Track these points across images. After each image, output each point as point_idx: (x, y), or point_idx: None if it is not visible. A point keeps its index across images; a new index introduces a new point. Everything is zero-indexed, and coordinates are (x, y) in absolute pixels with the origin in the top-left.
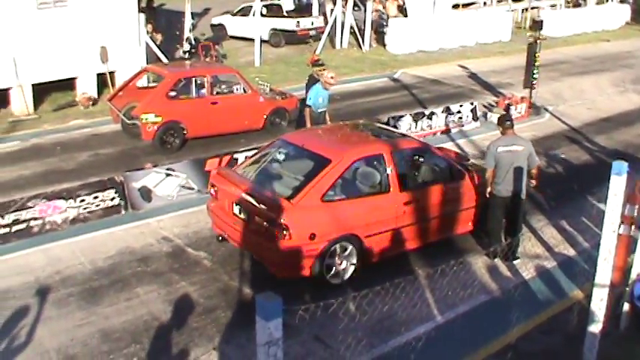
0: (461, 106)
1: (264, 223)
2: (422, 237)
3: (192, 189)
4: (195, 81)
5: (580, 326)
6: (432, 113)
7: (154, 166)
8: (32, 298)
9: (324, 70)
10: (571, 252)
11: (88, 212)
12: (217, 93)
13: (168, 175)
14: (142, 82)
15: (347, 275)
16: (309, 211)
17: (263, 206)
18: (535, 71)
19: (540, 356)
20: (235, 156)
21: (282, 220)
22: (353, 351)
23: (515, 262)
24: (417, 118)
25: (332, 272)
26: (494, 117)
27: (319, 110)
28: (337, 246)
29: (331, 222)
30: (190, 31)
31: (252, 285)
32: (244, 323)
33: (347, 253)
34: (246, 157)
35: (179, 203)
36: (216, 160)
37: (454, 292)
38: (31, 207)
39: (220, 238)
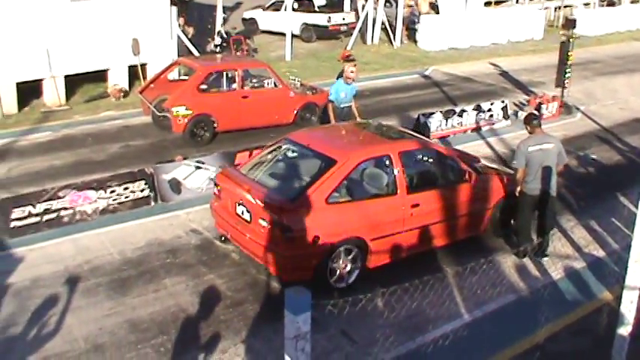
0: (492, 104)
1: (267, 225)
2: (430, 240)
3: None
4: (227, 75)
5: (609, 328)
6: (463, 111)
7: (184, 159)
8: (62, 287)
9: (354, 64)
10: (601, 253)
11: (118, 203)
12: (248, 87)
13: (198, 167)
14: (173, 75)
15: (351, 279)
16: (312, 212)
17: (265, 207)
18: (567, 70)
19: (568, 357)
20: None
21: (284, 222)
22: (380, 347)
23: (543, 259)
24: (447, 115)
25: (336, 276)
26: (525, 115)
27: (342, 106)
28: (341, 249)
29: (336, 224)
30: (222, 24)
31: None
32: (272, 317)
33: (351, 256)
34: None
35: (208, 196)
36: (246, 154)
37: (483, 291)
38: (61, 197)
39: (223, 238)
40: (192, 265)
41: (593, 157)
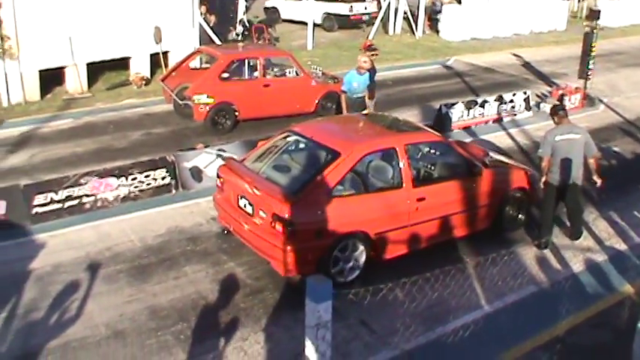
0: (514, 95)
1: (269, 218)
2: (435, 235)
3: None
4: (248, 63)
5: (630, 322)
6: (485, 101)
7: (206, 147)
8: (83, 273)
9: (373, 53)
10: (622, 246)
11: (139, 190)
12: (270, 75)
13: (219, 155)
14: (195, 63)
15: (354, 274)
16: (315, 206)
17: (267, 200)
18: (591, 61)
19: (589, 350)
20: None
21: (286, 216)
22: (400, 337)
23: (577, 241)
24: (469, 106)
25: (337, 270)
26: (547, 107)
27: (355, 96)
28: (345, 243)
29: (339, 218)
30: (244, 13)
31: None
32: (292, 305)
33: (357, 251)
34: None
35: None
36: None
37: (504, 282)
38: (83, 184)
39: (225, 231)
40: (213, 253)
41: (616, 149)
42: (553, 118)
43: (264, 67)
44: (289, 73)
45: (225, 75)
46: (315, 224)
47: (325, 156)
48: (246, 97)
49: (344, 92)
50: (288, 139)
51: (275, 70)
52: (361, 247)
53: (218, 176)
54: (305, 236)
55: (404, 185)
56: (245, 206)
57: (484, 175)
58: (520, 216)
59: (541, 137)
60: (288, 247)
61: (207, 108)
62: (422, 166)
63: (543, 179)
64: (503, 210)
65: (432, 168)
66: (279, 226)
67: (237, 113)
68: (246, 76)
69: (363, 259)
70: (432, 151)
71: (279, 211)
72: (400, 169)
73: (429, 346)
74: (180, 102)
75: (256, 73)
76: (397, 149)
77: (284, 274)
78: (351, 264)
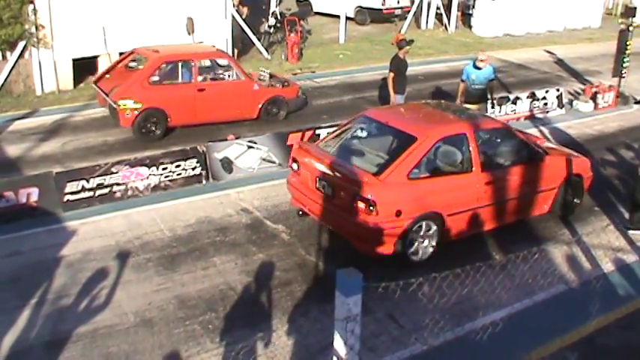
0: (546, 92)
1: (350, 199)
2: (500, 218)
3: (274, 162)
4: (182, 65)
5: None
6: (517, 98)
7: (237, 138)
8: (112, 261)
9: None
10: None
11: (170, 180)
12: (206, 79)
13: (250, 147)
14: (135, 63)
15: (428, 253)
16: (395, 187)
17: (350, 181)
18: (625, 59)
19: (618, 352)
20: (318, 131)
21: (369, 196)
22: (429, 332)
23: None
24: (501, 102)
25: (413, 249)
26: (580, 104)
27: (473, 87)
28: (421, 223)
29: (416, 199)
30: (276, 5)
31: (329, 260)
32: (320, 298)
33: (430, 230)
34: (328, 133)
35: (260, 176)
36: (298, 135)
37: (534, 280)
38: (114, 172)
39: (300, 212)
40: (242, 244)
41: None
42: None
43: (200, 69)
44: (229, 76)
45: (155, 78)
46: (396, 204)
47: (402, 140)
48: (179, 102)
49: (463, 81)
50: (361, 124)
51: (213, 73)
52: (435, 228)
53: (294, 160)
54: (386, 216)
55: (473, 169)
56: (324, 187)
57: (546, 161)
58: (576, 200)
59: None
60: (371, 227)
61: (134, 114)
62: (489, 152)
63: None
64: (562, 195)
65: (499, 153)
66: (361, 207)
67: (168, 119)
68: (179, 80)
69: (436, 239)
70: (498, 137)
71: (363, 192)
72: (470, 153)
73: (457, 342)
74: (115, 105)
75: (190, 77)
76: (467, 135)
77: (364, 252)
78: (425, 243)
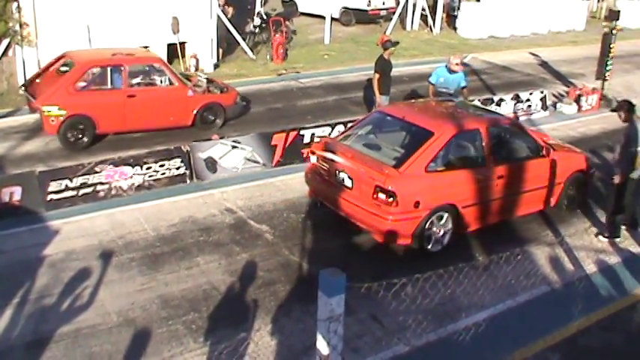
0: (530, 94)
1: (371, 190)
2: (510, 211)
3: (258, 162)
4: (111, 70)
5: None
6: (501, 100)
7: (221, 138)
8: (95, 261)
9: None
10: (637, 249)
11: (154, 180)
12: (136, 85)
13: (234, 147)
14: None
15: (443, 244)
16: (414, 179)
17: (370, 174)
18: (609, 62)
19: (600, 353)
20: (302, 132)
21: (390, 187)
22: (412, 333)
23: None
24: (485, 103)
25: (431, 240)
26: (563, 107)
27: (441, 90)
28: (438, 215)
29: (433, 191)
30: (262, 5)
31: (313, 260)
32: (303, 298)
33: (446, 222)
34: (313, 134)
35: (244, 176)
36: (282, 135)
37: (517, 281)
38: (98, 172)
39: (318, 204)
40: (225, 244)
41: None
42: (625, 115)
43: (130, 75)
44: (161, 82)
45: (82, 84)
46: (414, 196)
47: (419, 135)
48: (107, 109)
49: (432, 84)
50: (378, 120)
51: (144, 78)
52: (450, 219)
53: (312, 153)
54: (406, 207)
55: (486, 163)
56: (343, 180)
57: (553, 156)
58: (580, 196)
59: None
60: (391, 217)
61: (60, 120)
62: (501, 147)
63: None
64: (565, 190)
65: (510, 149)
66: (382, 198)
67: (95, 127)
68: (108, 86)
69: (451, 230)
70: (509, 133)
71: (384, 183)
72: (483, 148)
73: (440, 343)
74: (39, 112)
75: (120, 83)
76: (481, 130)
77: (384, 242)
78: (441, 234)
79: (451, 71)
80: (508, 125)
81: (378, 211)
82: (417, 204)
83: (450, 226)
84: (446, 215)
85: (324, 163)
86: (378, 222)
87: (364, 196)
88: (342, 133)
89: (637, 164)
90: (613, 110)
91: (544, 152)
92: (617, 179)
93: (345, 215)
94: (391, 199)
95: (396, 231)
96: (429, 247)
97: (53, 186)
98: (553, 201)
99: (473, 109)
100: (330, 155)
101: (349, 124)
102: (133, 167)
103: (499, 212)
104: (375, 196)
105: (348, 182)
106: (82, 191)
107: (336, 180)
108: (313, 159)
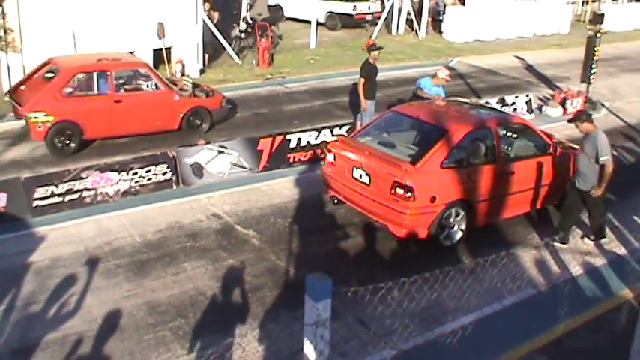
0: (516, 97)
1: (389, 186)
2: (519, 207)
3: (244, 167)
4: (97, 76)
5: (628, 326)
6: (487, 103)
7: (207, 143)
8: (82, 267)
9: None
10: (622, 250)
11: (140, 186)
12: (123, 90)
13: (220, 152)
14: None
15: (456, 238)
16: (431, 175)
17: (388, 170)
18: (593, 65)
19: (586, 354)
20: (288, 137)
21: (408, 183)
22: (399, 336)
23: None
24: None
25: (445, 234)
26: (549, 110)
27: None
28: (452, 210)
29: (448, 187)
30: (247, 10)
31: (300, 265)
32: (290, 303)
33: (459, 216)
34: (299, 139)
35: (230, 181)
36: (269, 140)
37: (503, 284)
38: (84, 178)
39: (336, 201)
40: (212, 250)
41: (614, 153)
42: (584, 125)
43: (116, 80)
44: (147, 87)
45: (69, 90)
46: (431, 191)
47: (434, 133)
48: (94, 114)
49: (420, 89)
50: (392, 119)
51: (130, 83)
52: (463, 214)
53: (329, 150)
54: (422, 202)
55: (497, 160)
56: (361, 177)
57: (559, 154)
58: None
59: (602, 143)
60: (408, 212)
61: (47, 126)
62: (511, 145)
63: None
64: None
65: (519, 147)
66: (399, 193)
67: (82, 133)
68: (95, 91)
69: (464, 224)
70: (519, 132)
71: (402, 179)
72: (494, 146)
73: (427, 347)
74: (26, 119)
75: (106, 88)
76: (492, 129)
77: (400, 236)
78: (455, 228)
79: (434, 84)
80: (518, 124)
81: (396, 206)
82: (433, 199)
83: (463, 220)
84: (460, 210)
85: (341, 161)
86: (396, 216)
87: (382, 192)
88: (359, 131)
89: (605, 174)
90: (570, 121)
91: (551, 150)
92: (595, 192)
93: (362, 211)
94: (409, 194)
95: (413, 225)
96: (444, 241)
97: (39, 192)
98: (559, 197)
99: (485, 109)
100: (347, 153)
101: (342, 127)
102: (119, 173)
103: (510, 208)
104: (392, 191)
105: (365, 179)
106: (68, 197)
107: (353, 177)
108: (330, 157)
